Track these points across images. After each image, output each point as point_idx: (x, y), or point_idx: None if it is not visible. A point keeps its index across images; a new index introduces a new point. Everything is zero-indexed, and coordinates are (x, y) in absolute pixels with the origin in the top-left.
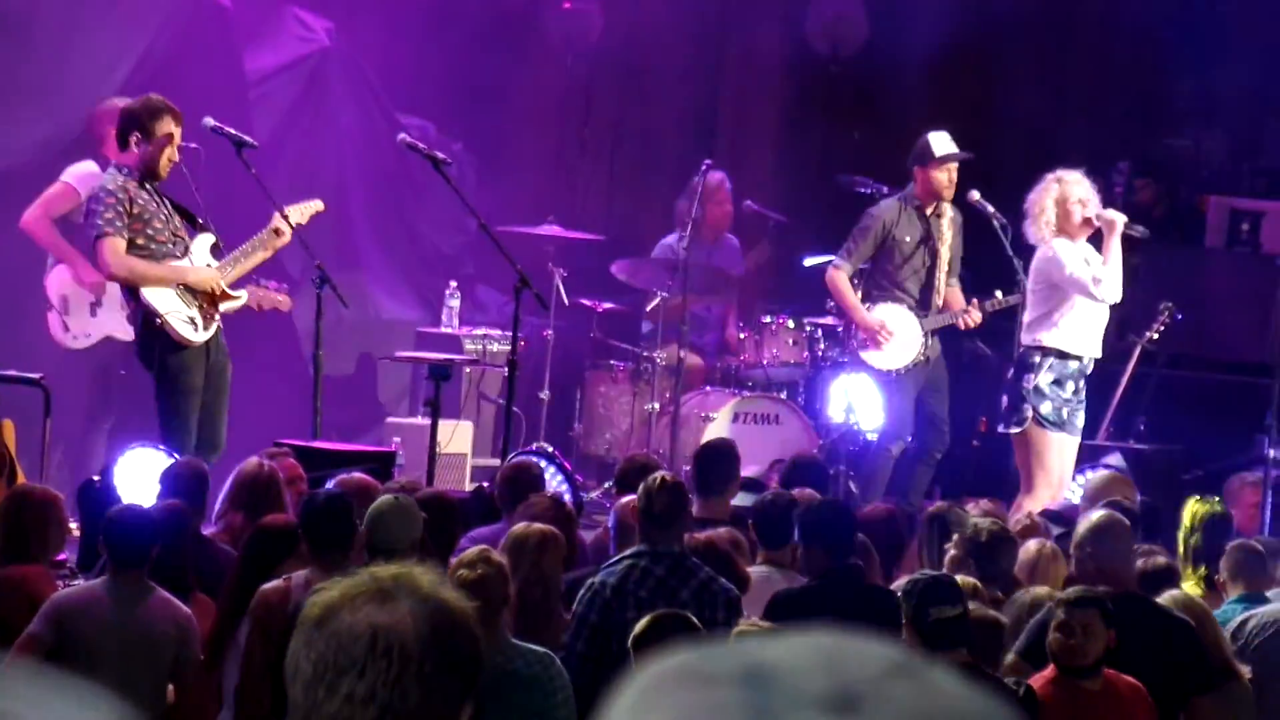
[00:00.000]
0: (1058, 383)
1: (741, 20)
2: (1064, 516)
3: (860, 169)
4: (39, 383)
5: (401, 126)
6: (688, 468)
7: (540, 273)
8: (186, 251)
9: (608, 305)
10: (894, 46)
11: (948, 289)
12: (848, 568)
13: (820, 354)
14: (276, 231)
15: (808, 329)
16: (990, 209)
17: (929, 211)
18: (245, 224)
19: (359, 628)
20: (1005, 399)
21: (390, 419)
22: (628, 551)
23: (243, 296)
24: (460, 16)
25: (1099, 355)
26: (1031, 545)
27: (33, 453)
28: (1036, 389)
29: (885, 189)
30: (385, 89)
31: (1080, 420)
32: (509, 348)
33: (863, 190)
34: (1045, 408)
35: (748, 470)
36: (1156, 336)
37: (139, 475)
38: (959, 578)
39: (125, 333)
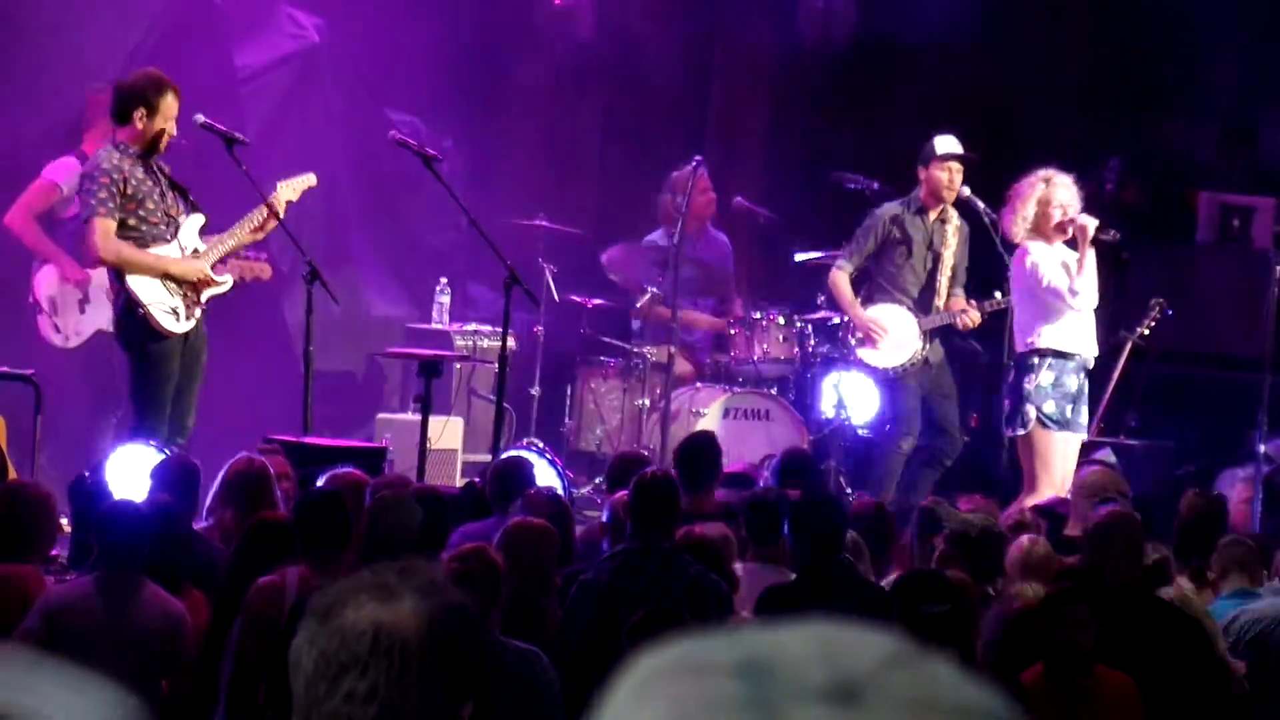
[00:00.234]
0: (1059, 380)
1: (732, 15)
2: (1055, 511)
3: (850, 165)
4: (30, 379)
5: (392, 123)
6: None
7: (531, 269)
8: (177, 232)
9: (598, 301)
10: (884, 41)
11: (951, 297)
12: (837, 563)
13: (811, 350)
14: (266, 215)
15: (798, 325)
16: (981, 205)
17: (933, 215)
18: (235, 219)
19: (361, 625)
20: (1007, 403)
21: (381, 415)
22: (619, 547)
23: (228, 282)
24: (451, 13)
25: (1095, 353)
26: (1023, 541)
27: (24, 449)
28: (1038, 389)
29: (875, 185)
30: (376, 85)
31: (1083, 417)
32: (499, 343)
33: (852, 186)
34: (1049, 407)
35: (738, 466)
36: (1147, 332)
37: (130, 471)
38: (948, 574)
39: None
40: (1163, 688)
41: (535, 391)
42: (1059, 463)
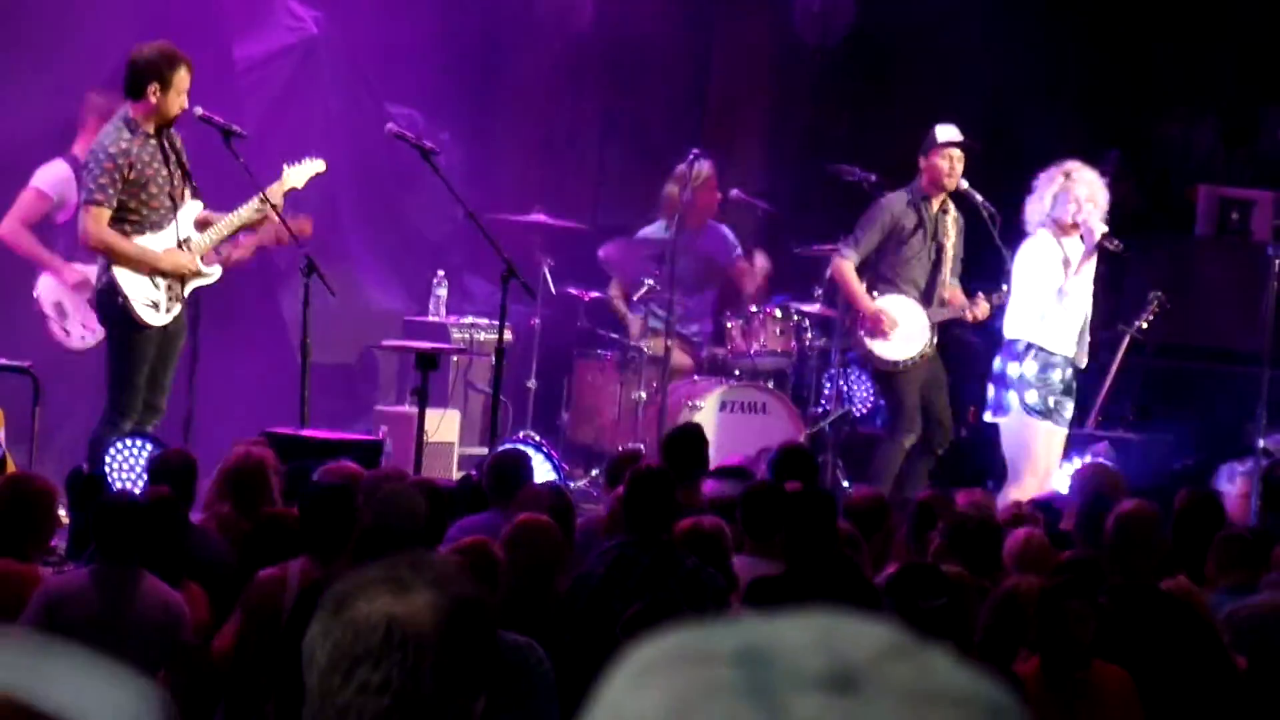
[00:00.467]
0: (1044, 371)
1: (730, 8)
2: (1052, 505)
3: (848, 157)
4: (28, 371)
5: (390, 115)
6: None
7: (528, 262)
8: (177, 216)
9: (595, 294)
10: (882, 33)
11: (950, 288)
12: (827, 557)
13: (808, 343)
14: (260, 207)
15: (795, 318)
16: (979, 198)
17: (935, 206)
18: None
19: (375, 617)
20: (991, 387)
21: (378, 408)
22: (613, 541)
23: (216, 273)
24: (450, 6)
25: (1082, 359)
26: (1019, 534)
27: (23, 441)
28: (1022, 378)
29: (873, 177)
30: (374, 78)
31: (1068, 411)
32: (496, 337)
33: (851, 179)
34: (1031, 396)
35: (735, 460)
36: (1146, 325)
37: (127, 464)
38: (945, 568)
39: None
40: (1170, 682)
41: (532, 384)
42: (1041, 453)
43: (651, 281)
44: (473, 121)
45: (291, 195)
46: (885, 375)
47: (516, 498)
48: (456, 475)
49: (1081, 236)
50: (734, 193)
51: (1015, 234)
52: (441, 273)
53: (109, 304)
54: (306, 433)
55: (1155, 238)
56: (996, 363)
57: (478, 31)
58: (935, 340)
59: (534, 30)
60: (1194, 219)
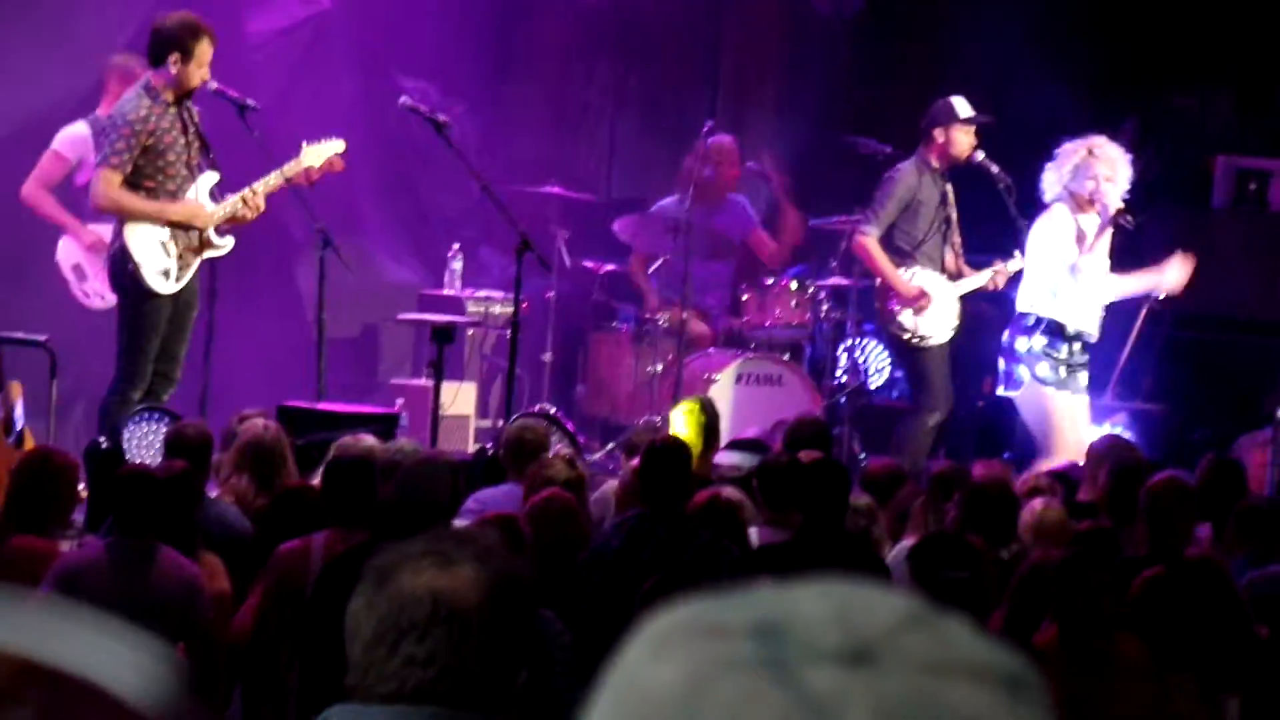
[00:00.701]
0: (1053, 343)
1: None
2: (1069, 476)
3: (862, 129)
4: (44, 344)
5: (403, 89)
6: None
7: (543, 234)
8: (193, 185)
9: (610, 267)
10: (895, 5)
11: (955, 257)
12: (835, 529)
13: (823, 315)
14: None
15: (811, 290)
16: (995, 169)
17: (942, 177)
18: (246, 184)
19: (420, 592)
20: (1002, 361)
21: (393, 381)
22: (630, 513)
23: (228, 245)
24: None
25: (1093, 332)
26: (1036, 504)
27: (42, 414)
28: (1031, 350)
29: (888, 149)
30: (387, 51)
31: (1082, 380)
32: (511, 310)
33: (865, 151)
34: (1042, 368)
35: (751, 432)
36: (1164, 296)
37: (145, 437)
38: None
39: None
40: (1193, 652)
41: (547, 357)
42: (1066, 425)
43: (667, 255)
44: (487, 94)
45: (314, 188)
46: (912, 351)
47: (527, 470)
48: (472, 448)
49: (1098, 212)
50: (749, 165)
51: (1029, 205)
52: (456, 246)
53: (119, 271)
54: (323, 406)
55: (1172, 208)
56: (1005, 336)
57: (491, 4)
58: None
59: (548, 2)
60: (1211, 189)
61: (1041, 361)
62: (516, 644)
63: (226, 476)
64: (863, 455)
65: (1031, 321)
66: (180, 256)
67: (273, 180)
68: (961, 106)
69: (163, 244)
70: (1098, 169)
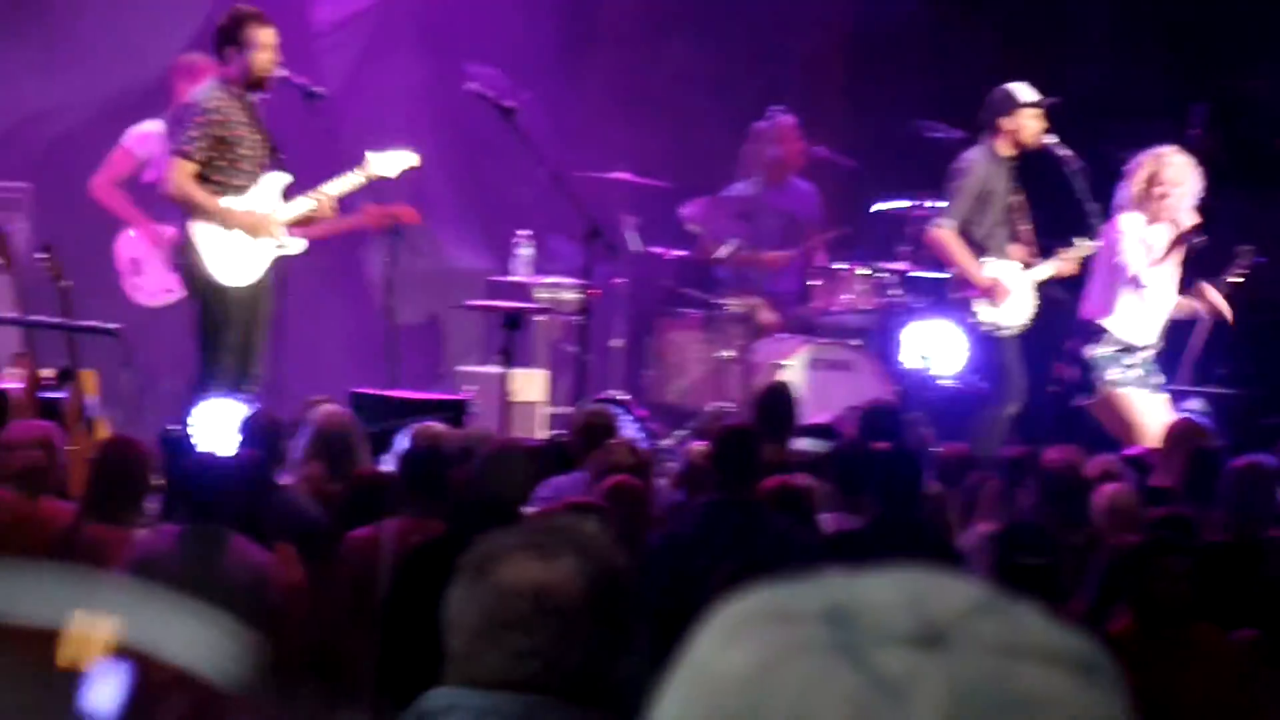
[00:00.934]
0: (1120, 353)
1: None
2: (1143, 461)
3: (930, 114)
4: (115, 333)
5: (471, 74)
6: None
7: (611, 221)
8: (259, 184)
9: (680, 253)
10: None
11: (1023, 244)
12: (908, 515)
13: (892, 300)
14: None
15: (880, 275)
16: (1064, 151)
17: (1009, 164)
18: (314, 175)
19: (522, 585)
20: (1073, 369)
21: (463, 368)
22: (701, 500)
23: (297, 246)
24: None
25: (1156, 343)
26: (1108, 489)
27: (114, 402)
28: (1099, 358)
29: (957, 133)
30: (455, 36)
31: (1158, 378)
32: (581, 296)
33: (934, 135)
34: (1113, 374)
35: (821, 418)
36: (1237, 281)
37: (218, 424)
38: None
39: None
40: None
41: (617, 344)
42: (1146, 419)
43: (736, 240)
44: (555, 80)
45: (379, 181)
46: (988, 340)
47: (594, 457)
48: (542, 435)
49: (1169, 224)
50: (817, 149)
51: (1099, 188)
52: (525, 232)
53: (186, 264)
54: (393, 392)
55: (1244, 192)
56: (1075, 343)
57: None
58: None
59: None
60: None
61: (1113, 368)
62: (618, 636)
63: (298, 464)
64: (934, 441)
65: (1095, 329)
66: (247, 252)
67: (342, 185)
68: (1023, 91)
69: (227, 238)
70: (1167, 177)
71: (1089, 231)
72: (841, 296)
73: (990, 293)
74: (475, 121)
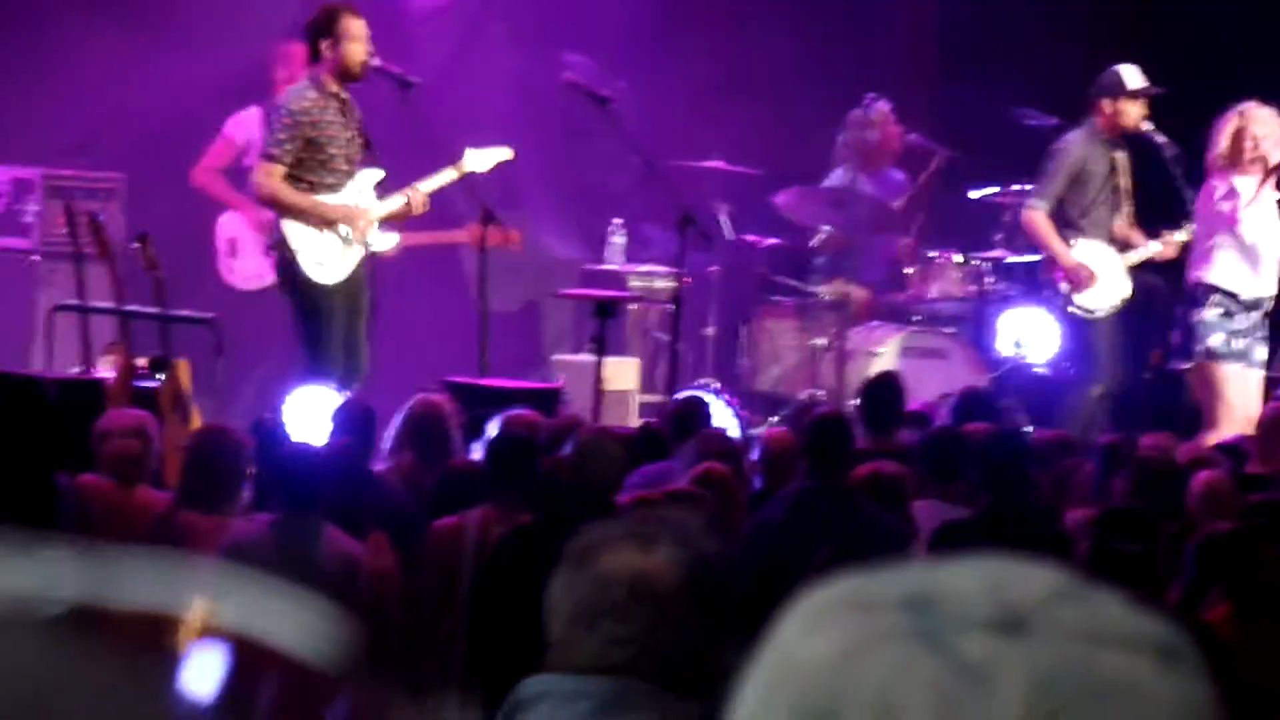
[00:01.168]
0: (1227, 315)
1: None
2: (1238, 448)
3: (1027, 100)
4: (210, 322)
5: (565, 63)
6: (855, 402)
7: (705, 209)
8: (353, 181)
9: (773, 241)
10: None
11: (1131, 227)
12: (1018, 501)
13: (987, 288)
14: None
15: (974, 263)
16: (1160, 138)
17: (1111, 147)
18: (407, 164)
19: (620, 573)
20: (1177, 335)
21: (555, 356)
22: (791, 487)
23: (390, 242)
24: None
25: (1269, 293)
26: (1204, 476)
27: (206, 392)
28: (1204, 322)
29: (1054, 120)
30: (548, 26)
31: (1260, 353)
32: (674, 284)
33: (1031, 122)
34: (1215, 340)
35: (915, 405)
36: None
37: (310, 414)
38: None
39: None
40: None
41: (710, 332)
42: (1237, 399)
43: (829, 227)
44: (649, 68)
45: (472, 176)
46: (1078, 323)
47: (688, 445)
48: (635, 423)
49: (1260, 171)
50: (911, 137)
51: (1200, 172)
52: (618, 220)
53: (281, 261)
54: (485, 381)
55: None
56: (1181, 309)
57: None
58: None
59: None
60: None
61: (1216, 333)
62: (714, 625)
63: (391, 452)
64: (1029, 428)
65: (1202, 292)
66: (339, 248)
67: (436, 182)
68: (1131, 77)
69: (320, 235)
70: (1253, 130)
71: (1187, 217)
72: (936, 284)
73: (1076, 275)
74: (570, 110)
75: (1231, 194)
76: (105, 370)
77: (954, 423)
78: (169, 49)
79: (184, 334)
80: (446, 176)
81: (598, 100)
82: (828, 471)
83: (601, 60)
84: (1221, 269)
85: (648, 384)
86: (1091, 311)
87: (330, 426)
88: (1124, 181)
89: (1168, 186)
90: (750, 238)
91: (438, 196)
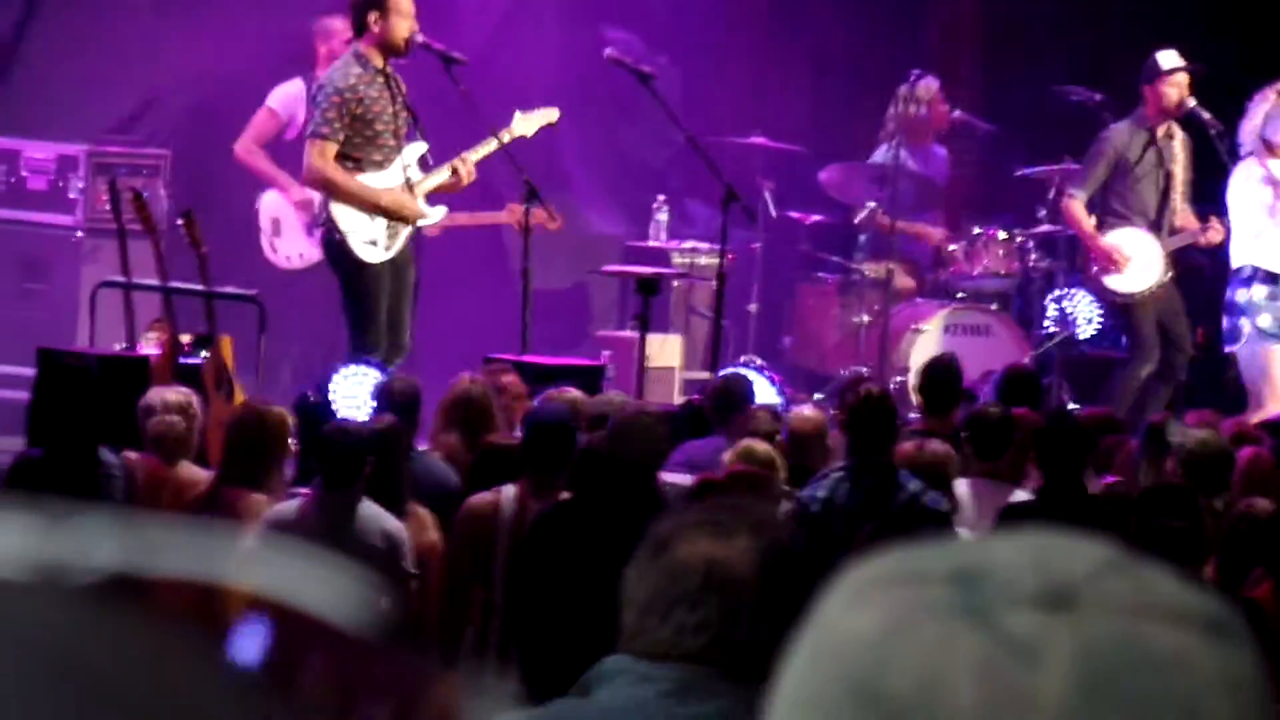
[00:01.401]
0: (1273, 295)
1: None
2: None
3: (1072, 76)
4: (255, 299)
5: (608, 40)
6: (898, 379)
7: (748, 186)
8: (400, 156)
9: (816, 218)
10: None
11: (1184, 214)
12: (1073, 480)
13: (1032, 265)
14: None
15: (1019, 240)
16: (1206, 115)
17: (1161, 132)
18: (451, 140)
19: (694, 561)
20: (1224, 319)
21: (599, 333)
22: (836, 465)
23: (440, 213)
24: None
25: None
26: (1244, 454)
27: (250, 368)
28: (1250, 303)
29: (1098, 97)
30: (592, 2)
31: None
32: (717, 261)
33: (1076, 99)
34: (1263, 320)
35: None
36: None
37: (354, 391)
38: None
39: None
40: None
41: (753, 308)
42: None
43: (873, 204)
44: (692, 44)
45: (519, 141)
46: (1121, 307)
47: (734, 422)
48: (678, 400)
49: None
50: (955, 114)
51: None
52: (662, 197)
53: (329, 242)
54: (528, 358)
55: None
56: (1228, 292)
57: None
58: (1170, 269)
59: None
60: None
61: (1263, 313)
62: (789, 615)
63: (435, 432)
64: (1073, 406)
65: (1247, 273)
66: (388, 225)
67: (483, 150)
68: (1166, 58)
69: (368, 215)
70: None
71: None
72: (980, 261)
73: (1106, 260)
74: (613, 87)
75: (1268, 179)
76: (149, 347)
77: (998, 400)
78: (212, 24)
79: (228, 311)
80: (494, 144)
81: (641, 77)
82: (870, 449)
83: (644, 36)
84: (1264, 251)
85: (691, 361)
86: (1124, 295)
87: (375, 404)
88: (1175, 168)
89: (1217, 168)
90: (793, 214)
91: (480, 176)
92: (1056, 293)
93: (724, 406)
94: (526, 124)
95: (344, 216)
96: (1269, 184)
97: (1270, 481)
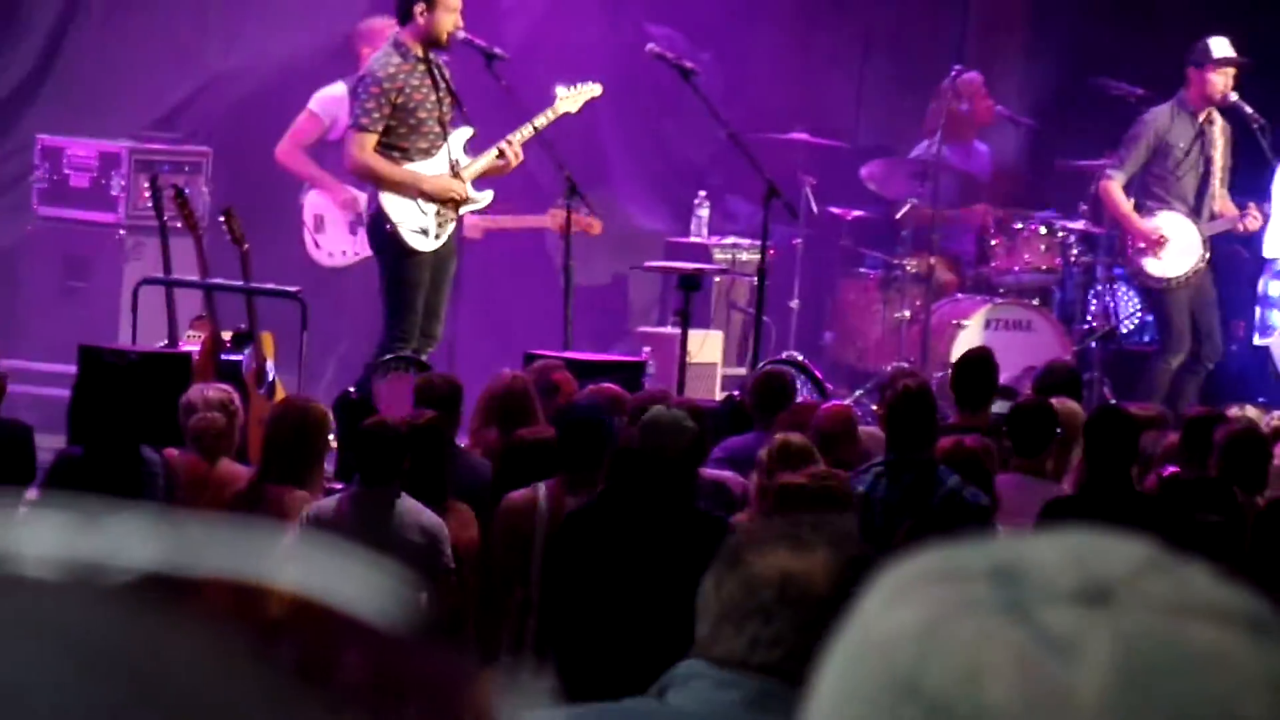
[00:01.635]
0: None
1: None
2: None
3: (1114, 70)
4: (296, 296)
5: (650, 35)
6: (939, 374)
7: (789, 181)
8: (446, 142)
9: (857, 213)
10: None
11: (1222, 198)
12: (1120, 475)
13: (1073, 259)
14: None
15: (1060, 234)
16: (1248, 109)
17: (1201, 118)
18: (495, 135)
19: (770, 573)
20: (1258, 309)
21: (640, 329)
22: (876, 459)
23: (487, 197)
24: None
25: None
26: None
27: (292, 365)
28: None
29: (1139, 90)
30: None
31: None
32: (758, 257)
33: (1117, 93)
34: None
35: (1000, 377)
36: None
37: (394, 388)
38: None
39: None
40: None
41: (794, 304)
42: None
43: (915, 200)
44: (734, 40)
45: (561, 137)
46: (1155, 293)
47: (778, 418)
48: (719, 396)
49: None
50: (997, 108)
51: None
52: (703, 193)
53: (378, 232)
54: (570, 354)
55: None
56: (1261, 284)
57: None
58: (1208, 255)
59: None
60: None
61: None
62: None
63: (475, 429)
64: (1114, 401)
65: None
66: (438, 213)
67: (528, 130)
68: (1218, 47)
69: (418, 203)
70: None
71: (1269, 189)
72: (1021, 256)
73: (1145, 240)
74: (654, 82)
75: None
76: (190, 344)
77: (1039, 395)
78: (256, 23)
79: (269, 308)
80: (539, 122)
81: (683, 72)
82: (910, 444)
83: (686, 32)
84: None
85: (732, 357)
86: (1161, 280)
87: (414, 400)
88: (1215, 154)
89: (1257, 159)
90: (834, 210)
91: (523, 177)
92: (1098, 287)
93: (765, 402)
94: (571, 100)
95: (395, 207)
96: None
97: None
